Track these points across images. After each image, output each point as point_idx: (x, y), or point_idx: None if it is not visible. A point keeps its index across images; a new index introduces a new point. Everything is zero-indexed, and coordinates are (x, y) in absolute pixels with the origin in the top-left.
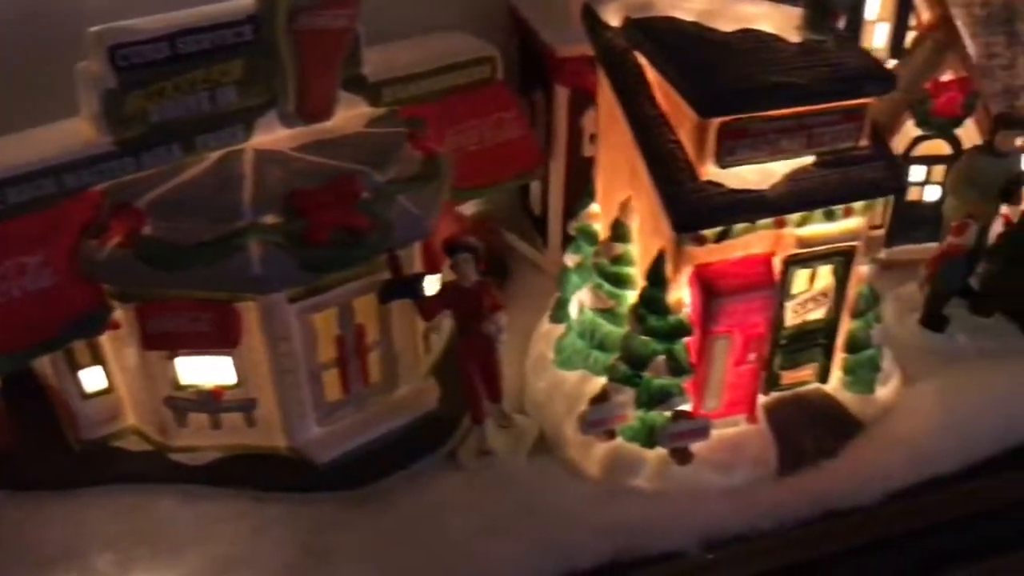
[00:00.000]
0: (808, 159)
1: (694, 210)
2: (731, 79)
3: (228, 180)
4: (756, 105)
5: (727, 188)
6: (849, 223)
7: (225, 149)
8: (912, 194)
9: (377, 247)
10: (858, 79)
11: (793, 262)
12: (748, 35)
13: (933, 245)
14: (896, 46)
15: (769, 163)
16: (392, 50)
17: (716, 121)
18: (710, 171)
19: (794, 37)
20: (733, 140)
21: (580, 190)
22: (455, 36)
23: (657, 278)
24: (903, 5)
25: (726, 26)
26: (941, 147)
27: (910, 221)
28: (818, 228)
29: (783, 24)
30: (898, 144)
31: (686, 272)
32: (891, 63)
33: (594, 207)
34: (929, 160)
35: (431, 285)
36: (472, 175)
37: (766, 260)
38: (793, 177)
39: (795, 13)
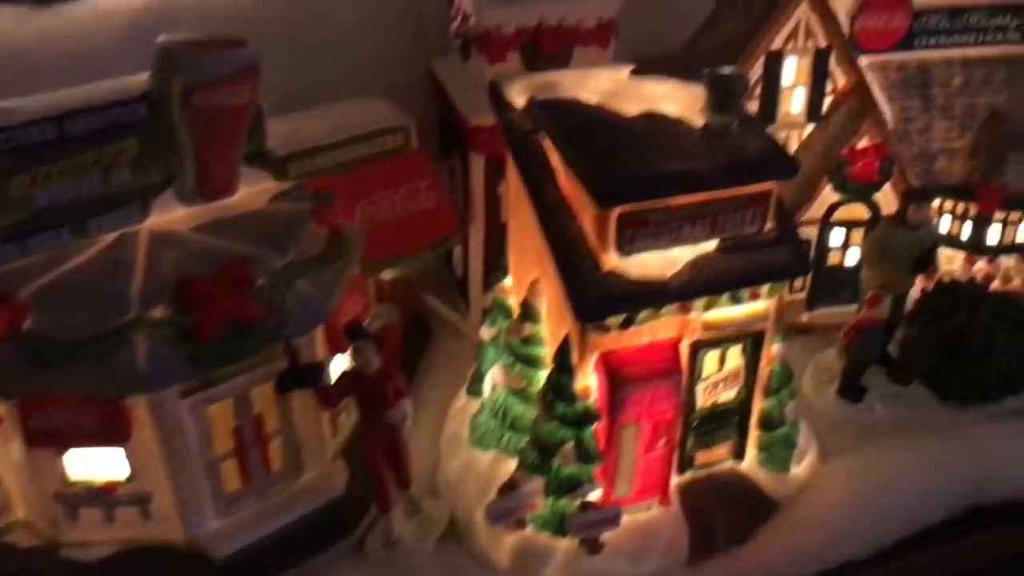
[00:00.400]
0: (712, 244)
1: (595, 300)
2: (630, 168)
3: (117, 267)
4: (655, 195)
5: (629, 277)
6: (756, 306)
7: (119, 231)
8: (832, 258)
9: (271, 338)
10: (759, 165)
11: (701, 345)
12: (651, 119)
13: (854, 307)
14: (813, 111)
15: (673, 250)
16: (302, 119)
17: (616, 210)
18: (612, 259)
19: (698, 119)
20: (634, 229)
21: (500, 256)
22: (369, 103)
23: (563, 364)
24: (819, 71)
25: (631, 107)
26: (860, 211)
27: (831, 284)
28: (725, 312)
29: (688, 105)
30: (817, 209)
31: (592, 358)
32: (808, 128)
33: (507, 281)
34: (849, 224)
35: (332, 372)
36: (385, 246)
37: (673, 346)
38: (696, 264)
39: (700, 93)
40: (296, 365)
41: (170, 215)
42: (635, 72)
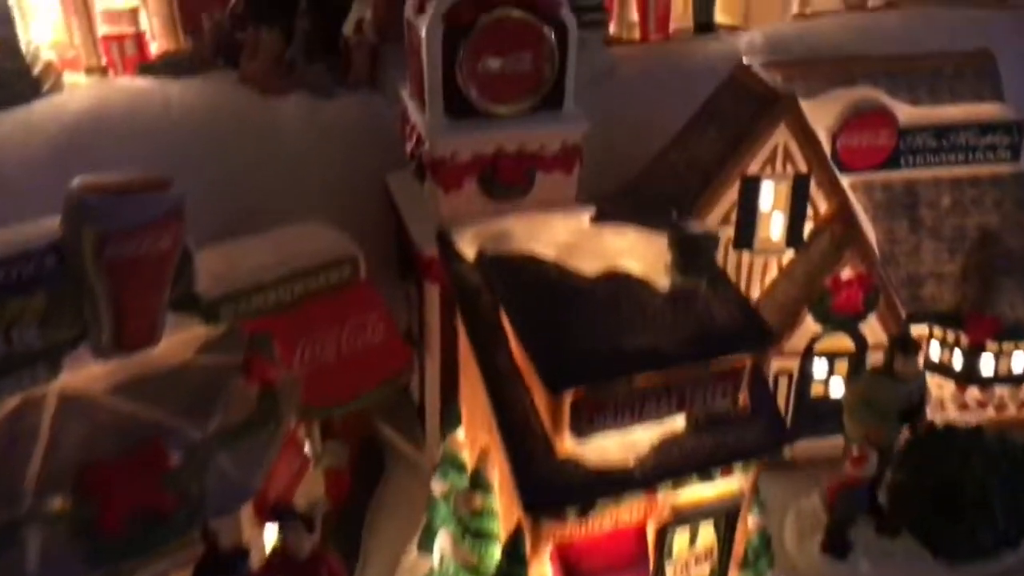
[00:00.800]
0: (680, 421)
1: (547, 491)
2: (585, 346)
3: (15, 444)
4: (611, 377)
5: (587, 464)
6: (730, 484)
7: (25, 394)
8: (815, 389)
9: (185, 527)
10: (730, 339)
11: (670, 526)
12: (611, 280)
13: (839, 439)
14: (793, 237)
15: (635, 430)
16: (240, 250)
17: (569, 394)
18: (567, 444)
19: (663, 279)
20: (591, 412)
21: (455, 379)
22: (316, 228)
23: (515, 555)
24: (799, 196)
25: (590, 264)
26: (845, 341)
27: (814, 416)
28: (695, 492)
29: (652, 260)
30: (798, 339)
31: (547, 548)
32: (788, 254)
33: (460, 434)
34: (832, 355)
35: (264, 543)
36: (330, 390)
37: (638, 532)
38: (662, 446)
39: (664, 246)
40: (214, 553)
41: (84, 372)
42: (596, 218)
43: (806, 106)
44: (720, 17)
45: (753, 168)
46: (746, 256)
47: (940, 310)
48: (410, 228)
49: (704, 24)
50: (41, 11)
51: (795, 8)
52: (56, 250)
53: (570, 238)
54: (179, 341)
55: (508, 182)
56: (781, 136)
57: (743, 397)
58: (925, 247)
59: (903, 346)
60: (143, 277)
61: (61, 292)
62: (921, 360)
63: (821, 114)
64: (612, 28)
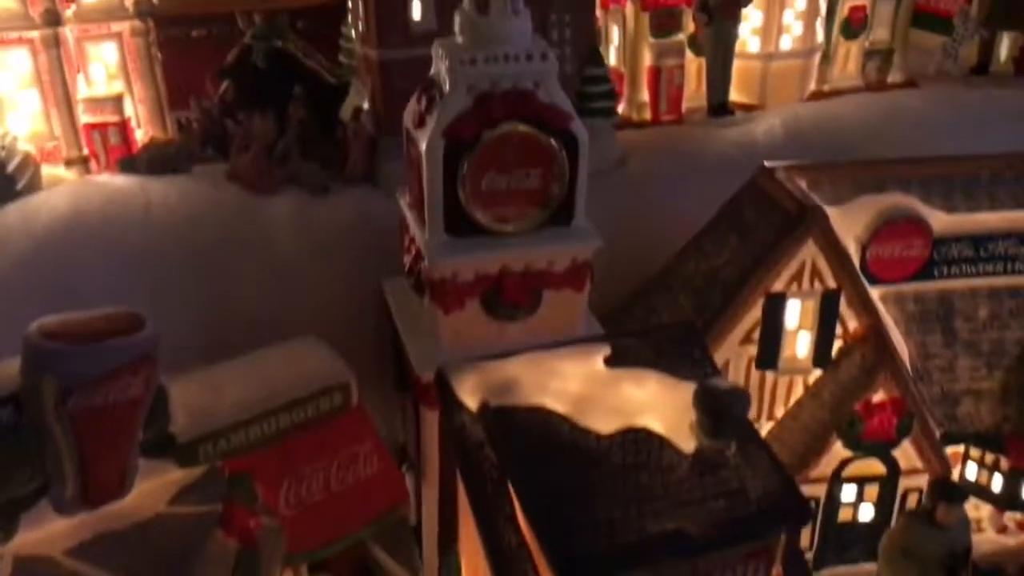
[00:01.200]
0: None
1: None
2: (601, 523)
3: None
4: (632, 565)
5: None
6: None
7: None
8: (844, 514)
9: None
10: (764, 518)
11: None
12: (630, 440)
13: (868, 566)
14: (820, 356)
15: None
16: (223, 377)
17: None
18: None
19: (688, 440)
20: None
21: (454, 520)
22: (307, 349)
23: None
24: (828, 314)
25: (605, 420)
26: (875, 464)
27: (841, 542)
28: None
29: (675, 416)
30: (826, 464)
31: None
32: (815, 373)
33: None
34: (862, 479)
35: None
36: (319, 529)
37: None
38: None
39: (688, 398)
40: None
41: (44, 530)
42: (612, 359)
43: (833, 214)
44: (736, 95)
45: (778, 285)
46: (770, 375)
47: (978, 430)
48: (407, 346)
49: (719, 106)
50: (19, 101)
51: (813, 85)
52: (13, 401)
53: (583, 388)
54: (151, 489)
55: (514, 302)
56: (808, 252)
57: (776, 573)
58: (961, 362)
59: (946, 494)
60: (110, 426)
61: (21, 444)
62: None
63: (849, 223)
64: (622, 108)
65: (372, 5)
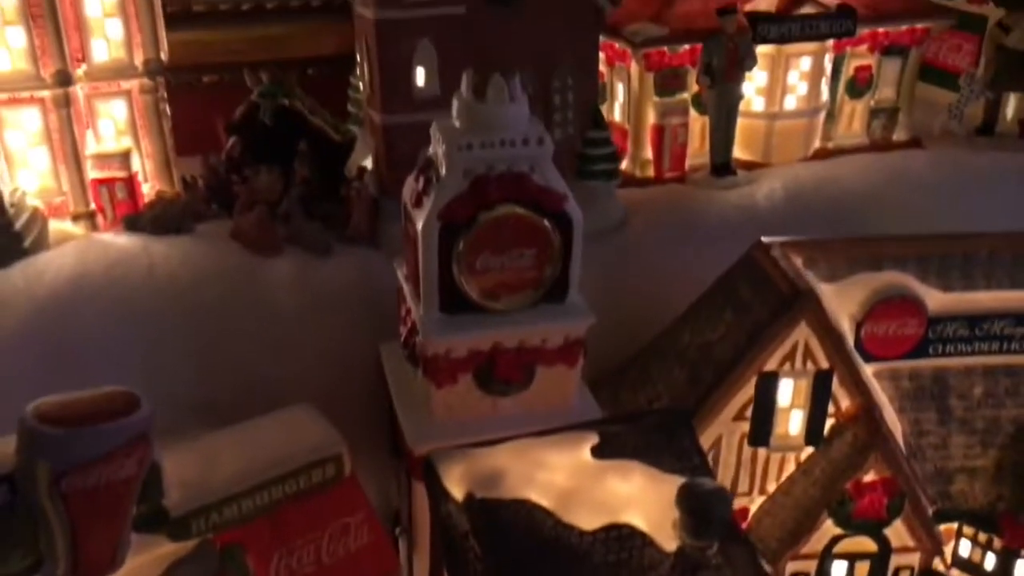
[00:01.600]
0: None
1: None
2: None
3: None
4: None
5: None
6: None
7: None
8: None
9: None
10: None
11: None
12: (613, 537)
13: None
14: (812, 434)
15: None
16: (217, 447)
17: None
18: None
19: (670, 538)
20: None
21: None
22: (301, 417)
23: None
24: (820, 393)
25: (589, 515)
26: (866, 541)
27: None
28: None
29: (659, 513)
30: (817, 541)
31: None
32: (807, 451)
33: None
34: (852, 556)
35: None
36: None
37: None
38: None
39: (673, 494)
40: None
41: None
42: (599, 448)
43: (828, 291)
44: (740, 153)
45: (771, 364)
46: (762, 451)
47: (972, 508)
48: (400, 417)
49: (722, 166)
50: (30, 159)
51: (817, 143)
52: (8, 480)
53: (569, 480)
54: (143, 564)
55: (506, 378)
56: (801, 334)
57: None
58: (955, 440)
59: None
60: (104, 505)
61: (14, 522)
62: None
63: (844, 300)
64: (625, 164)
65: (376, 70)
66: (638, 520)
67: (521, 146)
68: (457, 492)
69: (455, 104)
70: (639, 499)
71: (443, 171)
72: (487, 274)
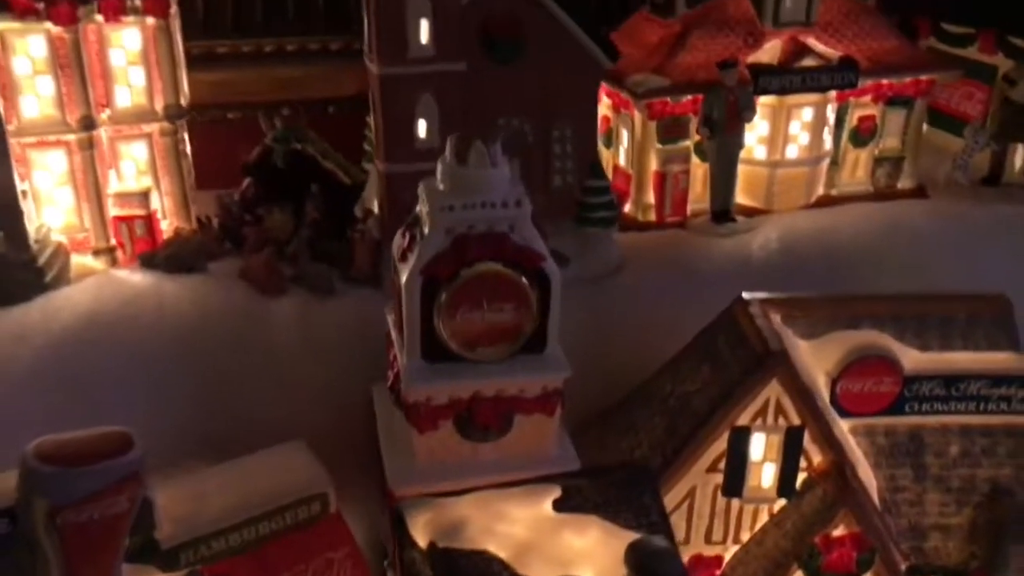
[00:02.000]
0: None
1: None
2: None
3: None
4: None
5: None
6: None
7: None
8: None
9: None
10: None
11: None
12: None
13: None
14: (784, 487)
15: None
16: (205, 486)
17: None
18: None
19: None
20: None
21: None
22: (290, 455)
23: None
24: (792, 447)
25: (542, 569)
26: None
27: None
28: None
29: (610, 569)
30: None
31: None
32: (779, 503)
33: None
34: None
35: None
36: None
37: None
38: None
39: (622, 548)
40: None
41: None
42: (561, 501)
43: (805, 347)
44: (742, 199)
45: (743, 419)
46: (735, 502)
47: (945, 565)
48: (384, 459)
49: (722, 213)
50: (55, 198)
51: (821, 190)
52: (9, 514)
53: (527, 533)
54: None
55: (485, 425)
56: (773, 391)
57: None
58: (930, 497)
59: None
60: (96, 540)
61: (13, 553)
62: None
63: (820, 357)
64: (628, 208)
65: (381, 121)
66: (588, 572)
67: (501, 208)
68: (422, 540)
69: (439, 167)
70: (592, 554)
71: (427, 229)
72: (467, 326)
